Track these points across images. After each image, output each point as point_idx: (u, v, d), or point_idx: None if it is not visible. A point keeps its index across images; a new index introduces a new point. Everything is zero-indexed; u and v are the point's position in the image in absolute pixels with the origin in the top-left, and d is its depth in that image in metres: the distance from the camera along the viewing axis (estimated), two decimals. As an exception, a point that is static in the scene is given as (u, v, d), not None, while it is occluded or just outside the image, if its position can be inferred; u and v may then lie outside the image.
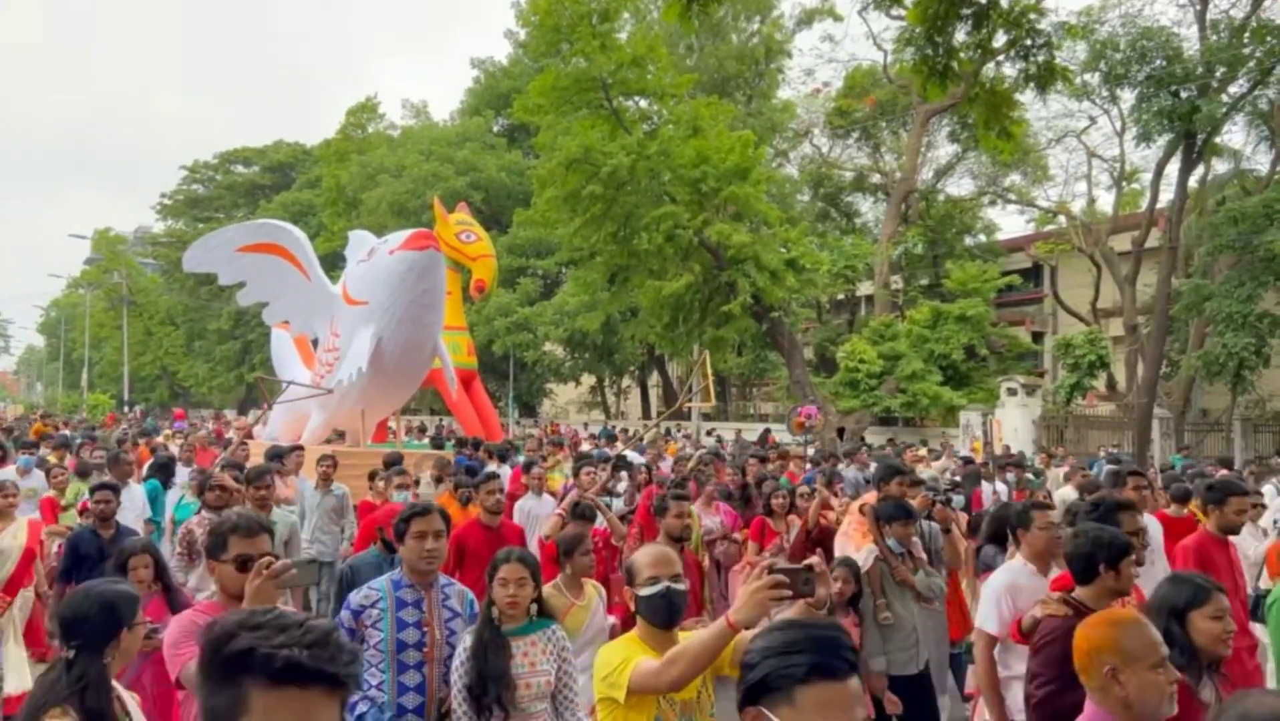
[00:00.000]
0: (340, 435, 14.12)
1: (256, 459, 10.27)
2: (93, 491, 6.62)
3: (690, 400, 17.12)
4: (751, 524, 7.70)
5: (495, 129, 41.79)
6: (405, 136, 44.10)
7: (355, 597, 3.76)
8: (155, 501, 9.11)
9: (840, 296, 36.38)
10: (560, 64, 23.15)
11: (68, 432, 18.65)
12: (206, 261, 13.95)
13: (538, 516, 8.11)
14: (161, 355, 57.71)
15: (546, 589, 4.21)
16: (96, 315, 60.93)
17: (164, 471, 9.68)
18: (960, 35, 6.01)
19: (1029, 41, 5.84)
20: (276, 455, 9.56)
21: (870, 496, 6.27)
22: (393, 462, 10.11)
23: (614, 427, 31.04)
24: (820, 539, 7.22)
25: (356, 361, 11.48)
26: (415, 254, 11.34)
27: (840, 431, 25.04)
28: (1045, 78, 5.97)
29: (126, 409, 48.18)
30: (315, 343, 14.91)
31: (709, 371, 17.04)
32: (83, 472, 9.56)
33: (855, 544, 5.80)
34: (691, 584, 5.95)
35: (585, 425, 36.07)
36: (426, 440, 17.84)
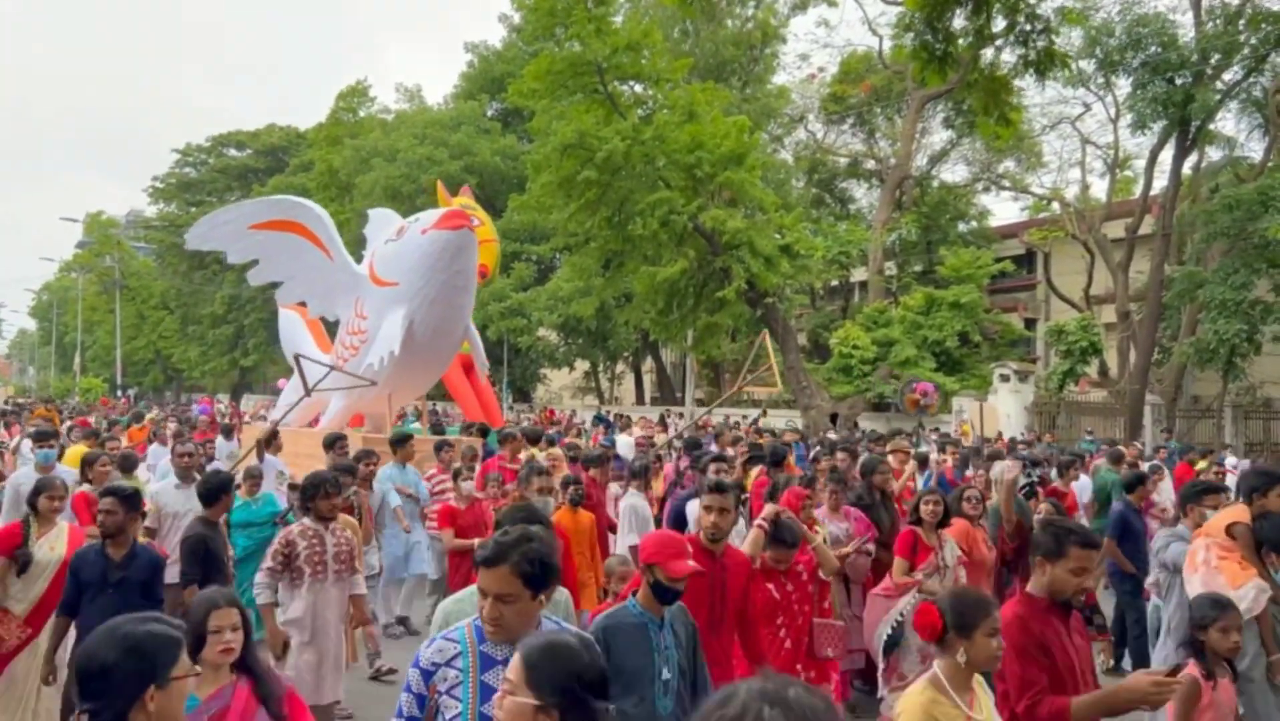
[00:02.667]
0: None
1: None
2: (102, 496, 5.33)
3: (750, 382, 15.42)
4: (899, 537, 6.31)
5: (490, 113, 41.61)
6: (399, 120, 43.89)
7: (427, 652, 2.85)
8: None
9: (834, 282, 36.41)
10: (555, 48, 23.05)
11: (92, 419, 18.36)
12: (214, 239, 13.21)
13: (645, 517, 7.89)
14: (155, 339, 57.53)
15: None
16: (89, 299, 60.71)
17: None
18: (959, 21, 6.02)
19: (1028, 27, 5.84)
20: (366, 455, 8.59)
21: (1234, 512, 4.96)
22: (441, 447, 9.92)
23: (608, 413, 31.07)
24: (1019, 546, 6.52)
25: (388, 344, 11.04)
26: (449, 233, 10.98)
27: (833, 417, 25.10)
28: (1044, 63, 5.97)
29: (119, 393, 48.09)
30: (328, 324, 14.51)
31: (771, 350, 14.75)
32: (126, 466, 8.73)
33: (1230, 578, 4.43)
34: (802, 592, 5.47)
35: (579, 410, 36.08)
36: (425, 426, 17.31)
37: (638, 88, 24.78)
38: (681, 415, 30.17)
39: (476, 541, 6.89)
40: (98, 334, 62.25)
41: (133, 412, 24.54)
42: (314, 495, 5.46)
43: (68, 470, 7.59)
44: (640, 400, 41.62)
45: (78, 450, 10.69)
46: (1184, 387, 26.36)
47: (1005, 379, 25.11)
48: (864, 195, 40.49)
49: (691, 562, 3.40)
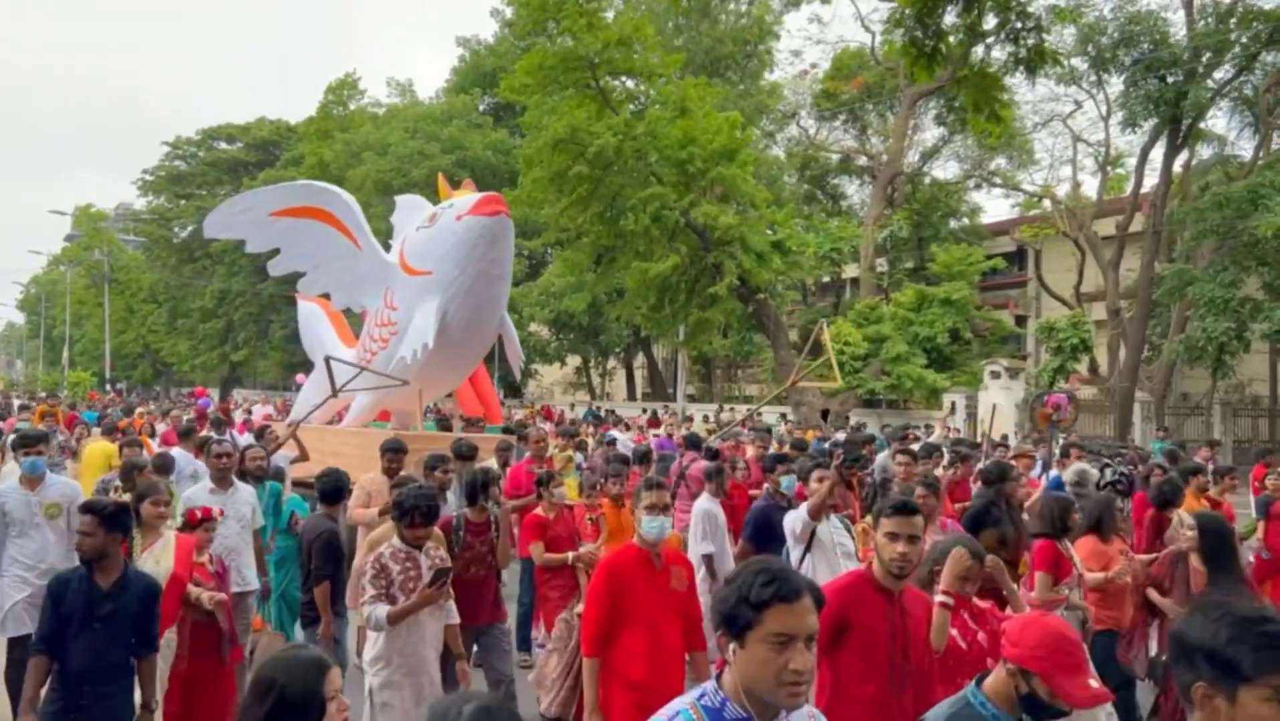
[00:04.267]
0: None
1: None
2: (81, 512, 4.55)
3: (806, 376, 14.23)
4: (1038, 550, 5.53)
5: (481, 107, 41.52)
6: (390, 114, 43.77)
7: None
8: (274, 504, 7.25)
9: (826, 279, 36.44)
10: (546, 43, 23.00)
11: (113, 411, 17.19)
12: (232, 226, 12.50)
13: (721, 524, 7.15)
14: (144, 333, 57.30)
15: None
16: (77, 292, 60.40)
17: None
18: (950, 17, 5.99)
19: (1019, 24, 5.82)
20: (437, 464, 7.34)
21: None
22: (506, 448, 9.04)
23: (599, 409, 31.05)
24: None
25: (421, 337, 10.44)
26: (486, 219, 10.39)
27: (824, 413, 25.13)
28: (1035, 61, 5.95)
29: (108, 387, 47.89)
30: (350, 317, 13.81)
31: (828, 340, 13.67)
32: (163, 467, 7.61)
33: None
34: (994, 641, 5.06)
35: (571, 406, 36.07)
36: (433, 420, 16.42)
37: (629, 83, 24.74)
38: (672, 411, 30.17)
39: (571, 555, 6.47)
40: (86, 327, 61.96)
41: (123, 405, 24.35)
42: (407, 521, 4.82)
43: (65, 482, 6.46)
44: (632, 396, 41.62)
45: (100, 447, 10.05)
46: (1173, 385, 26.48)
47: (996, 376, 25.16)
48: (856, 192, 40.58)
49: (1094, 683, 2.49)
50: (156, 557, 4.92)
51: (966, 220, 36.99)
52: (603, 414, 29.11)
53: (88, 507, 4.43)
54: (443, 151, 36.04)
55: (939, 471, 8.58)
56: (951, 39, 6.04)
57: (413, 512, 4.79)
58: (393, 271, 11.30)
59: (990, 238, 35.87)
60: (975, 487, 8.04)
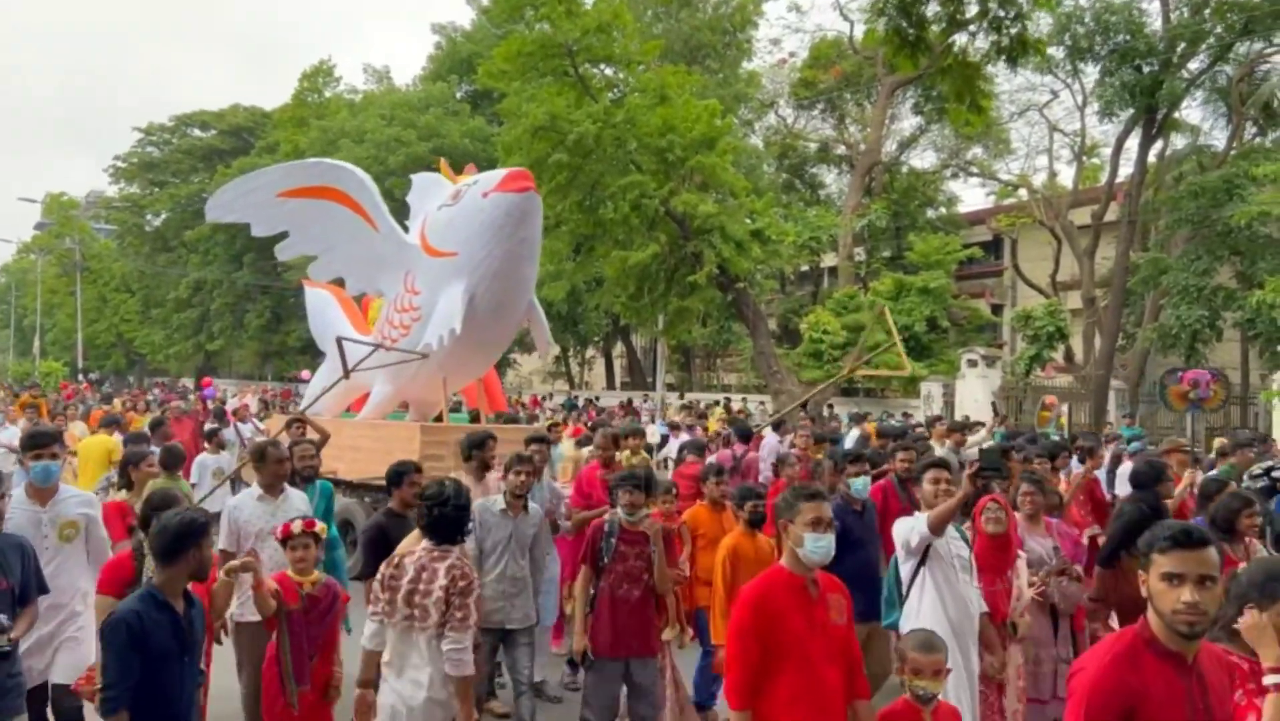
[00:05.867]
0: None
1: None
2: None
3: (866, 363, 13.22)
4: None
5: (459, 94, 41.24)
6: (366, 101, 43.39)
7: None
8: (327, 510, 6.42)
9: (804, 268, 36.52)
10: (524, 29, 22.82)
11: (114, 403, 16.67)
12: (237, 209, 11.72)
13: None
14: (117, 322, 56.62)
15: None
16: (48, 281, 59.61)
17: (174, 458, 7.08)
18: (933, 6, 5.98)
19: (1001, 13, 5.82)
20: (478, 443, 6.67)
21: None
22: (538, 440, 7.39)
23: (578, 398, 31.02)
24: None
25: (448, 322, 9.82)
26: (514, 196, 9.78)
27: (803, 403, 25.20)
28: (1017, 50, 5.96)
29: (80, 377, 47.33)
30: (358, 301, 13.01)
31: (893, 327, 13.09)
32: (170, 463, 6.80)
33: None
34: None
35: (550, 395, 36.01)
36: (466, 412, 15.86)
37: (609, 70, 24.62)
38: (649, 399, 30.19)
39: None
40: (58, 316, 61.15)
41: (100, 395, 24.01)
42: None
43: (80, 494, 5.25)
44: (611, 385, 41.61)
45: (98, 440, 9.55)
46: (1147, 373, 26.76)
47: (973, 364, 25.33)
48: (834, 181, 40.65)
49: None
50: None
51: (943, 209, 37.15)
52: (581, 403, 29.08)
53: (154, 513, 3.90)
54: (420, 139, 35.79)
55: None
56: (934, 28, 6.03)
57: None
58: (413, 253, 10.62)
59: (967, 227, 36.06)
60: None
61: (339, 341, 9.53)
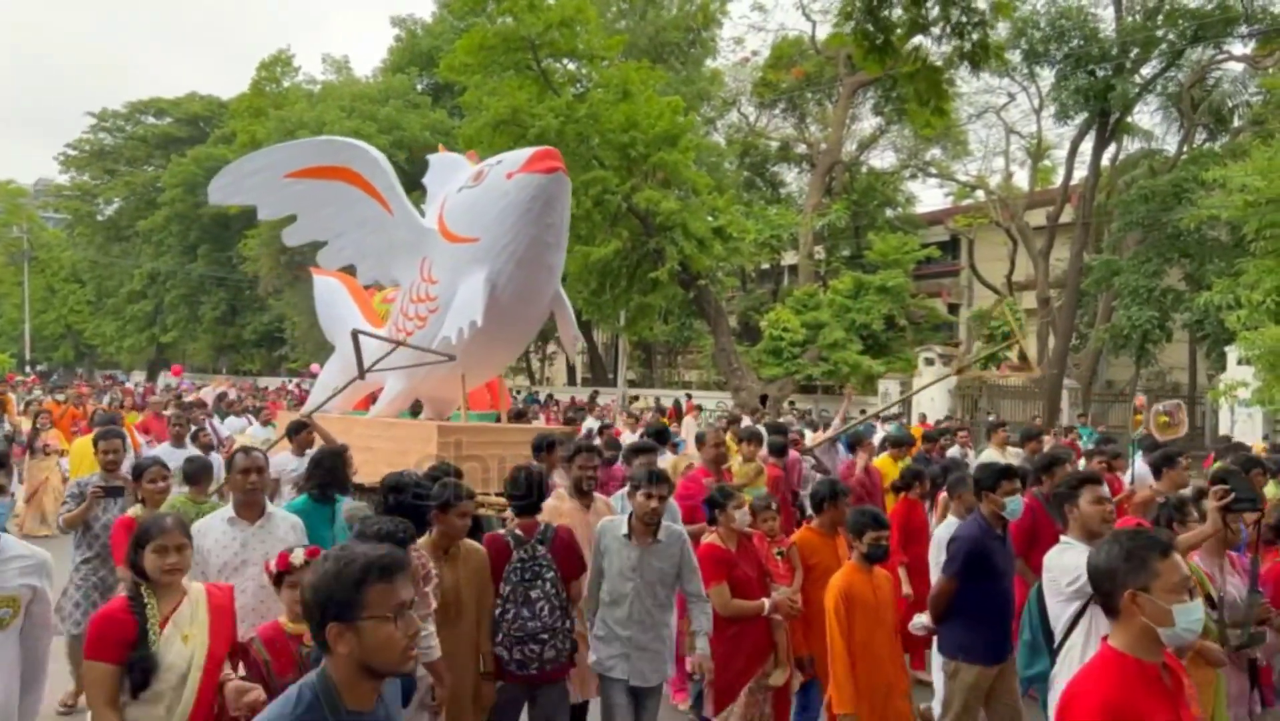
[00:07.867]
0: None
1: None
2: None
3: (989, 362, 11.71)
4: None
5: (419, 87, 40.91)
6: (325, 92, 42.84)
7: None
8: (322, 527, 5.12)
9: (765, 266, 36.75)
10: (486, 23, 22.73)
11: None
12: (241, 190, 10.87)
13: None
14: (65, 313, 55.48)
15: None
16: (-6, 271, 58.24)
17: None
18: (897, 10, 6.05)
19: (964, 19, 5.91)
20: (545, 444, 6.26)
21: None
22: (569, 441, 6.65)
23: (538, 394, 30.96)
24: None
25: (468, 313, 9.02)
26: (541, 177, 8.99)
27: (763, 398, 25.40)
28: (978, 55, 6.04)
29: (27, 369, 46.33)
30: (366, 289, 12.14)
31: (1015, 325, 11.98)
32: (193, 476, 5.58)
33: None
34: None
35: (516, 392, 35.88)
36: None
37: (571, 65, 24.59)
38: (611, 396, 30.21)
39: (767, 602, 5.00)
40: (4, 307, 59.71)
41: (48, 388, 23.48)
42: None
43: (26, 551, 3.54)
44: (572, 381, 41.58)
45: (89, 442, 8.34)
46: (1099, 372, 27.30)
47: (930, 363, 25.68)
48: (795, 179, 40.89)
49: None
50: (183, 629, 3.23)
51: (902, 209, 37.56)
52: (543, 399, 29.04)
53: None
54: (380, 131, 35.43)
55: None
56: (898, 32, 6.11)
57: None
58: (431, 238, 9.79)
59: (925, 227, 36.50)
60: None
61: (355, 335, 8.86)
